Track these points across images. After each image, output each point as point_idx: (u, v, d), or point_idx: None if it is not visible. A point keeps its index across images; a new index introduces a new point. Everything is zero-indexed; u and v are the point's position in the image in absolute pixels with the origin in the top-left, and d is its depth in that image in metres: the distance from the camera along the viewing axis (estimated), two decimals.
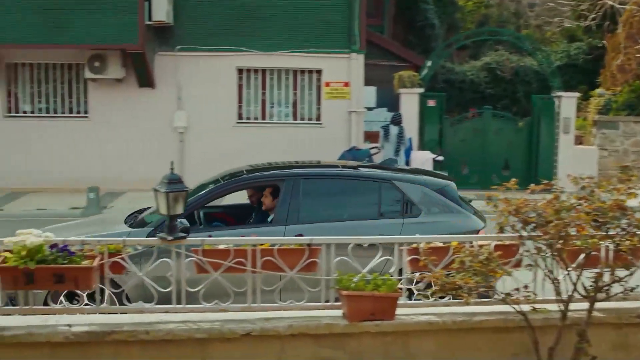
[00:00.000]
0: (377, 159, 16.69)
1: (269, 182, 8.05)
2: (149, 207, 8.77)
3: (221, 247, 5.37)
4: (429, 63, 18.90)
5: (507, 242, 5.52)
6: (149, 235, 6.72)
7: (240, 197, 8.88)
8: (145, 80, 17.44)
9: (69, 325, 5.25)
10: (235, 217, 8.49)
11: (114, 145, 17.61)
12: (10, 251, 4.99)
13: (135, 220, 7.91)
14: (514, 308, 5.32)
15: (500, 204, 5.41)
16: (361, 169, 8.85)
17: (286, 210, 7.51)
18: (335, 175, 8.23)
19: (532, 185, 5.51)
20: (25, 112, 18.03)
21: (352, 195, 8.03)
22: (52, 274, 4.94)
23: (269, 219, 7.76)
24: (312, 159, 9.49)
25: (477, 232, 7.50)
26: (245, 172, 8.16)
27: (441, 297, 5.50)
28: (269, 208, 7.94)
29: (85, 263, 5.04)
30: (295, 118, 18.34)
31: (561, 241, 5.17)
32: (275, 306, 5.56)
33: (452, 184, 8.15)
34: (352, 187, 8.03)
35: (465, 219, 7.75)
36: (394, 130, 16.36)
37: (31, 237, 4.93)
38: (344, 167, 8.58)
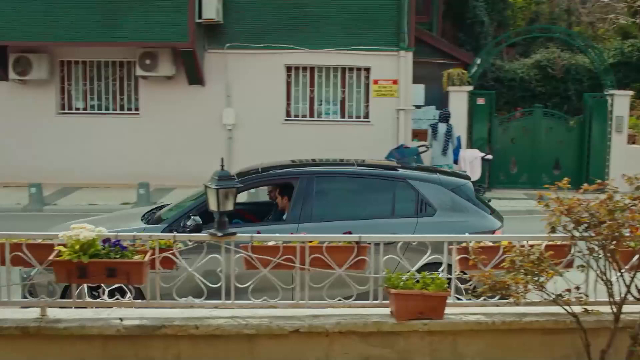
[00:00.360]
0: (426, 157, 16.58)
1: (283, 180, 8.05)
2: (168, 204, 8.87)
3: (270, 243, 5.39)
4: (478, 61, 18.72)
5: (559, 243, 5.43)
6: (163, 232, 6.79)
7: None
8: (195, 77, 17.61)
9: (121, 319, 5.33)
10: (255, 215, 8.48)
11: (164, 141, 17.84)
12: (64, 245, 5.08)
13: (152, 216, 8.00)
14: (565, 309, 5.24)
15: (552, 204, 5.33)
16: (376, 167, 8.77)
17: (300, 208, 7.50)
18: (349, 174, 8.16)
19: (585, 185, 5.42)
20: (78, 109, 18.37)
21: (366, 193, 7.97)
22: (104, 268, 5.01)
23: (284, 217, 7.77)
24: (358, 157, 9.39)
25: (493, 232, 7.39)
26: (260, 170, 8.16)
27: (490, 297, 5.45)
28: (282, 207, 7.96)
29: (136, 258, 5.11)
30: (343, 116, 18.34)
31: (614, 242, 5.07)
32: (323, 303, 5.56)
33: (468, 183, 8.04)
34: (367, 185, 7.97)
35: (480, 219, 7.65)
36: (442, 128, 16.16)
37: (85, 231, 5.01)
38: (359, 165, 8.46)
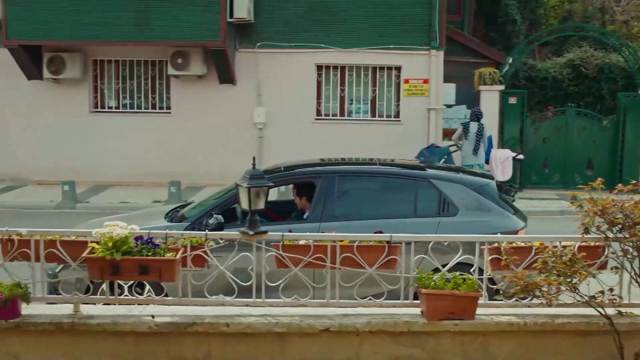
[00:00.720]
0: (457, 157, 16.47)
1: (305, 178, 8.03)
2: (191, 202, 8.90)
3: (301, 242, 5.40)
4: (510, 60, 18.56)
5: (592, 244, 5.37)
6: (185, 231, 6.82)
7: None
8: (226, 76, 17.70)
9: (153, 316, 5.38)
10: (280, 213, 8.48)
11: (195, 140, 17.95)
12: (97, 242, 5.14)
13: (175, 215, 8.03)
14: (598, 311, 5.19)
15: (585, 204, 5.28)
16: (399, 166, 8.73)
17: (321, 207, 7.48)
18: (371, 173, 8.10)
19: (619, 186, 5.35)
20: (110, 107, 18.56)
21: (388, 193, 7.93)
22: (137, 265, 5.06)
23: (305, 216, 7.76)
24: (388, 157, 9.37)
25: (516, 232, 7.32)
26: (282, 168, 8.15)
27: (522, 298, 5.41)
28: (301, 206, 7.96)
29: (168, 255, 5.15)
30: (373, 115, 18.32)
31: None
32: (354, 303, 5.56)
33: (492, 183, 7.96)
34: (389, 184, 7.94)
35: (503, 219, 7.56)
36: (473, 127, 16.00)
37: (117, 229, 5.06)
38: (381, 164, 8.41)
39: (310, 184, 7.80)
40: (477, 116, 16.10)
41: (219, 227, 6.99)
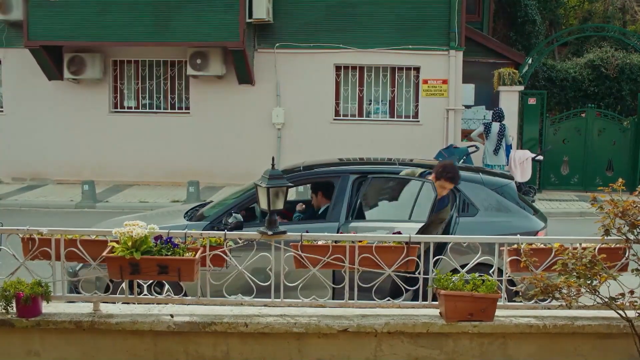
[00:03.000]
0: (477, 157, 16.39)
1: (324, 178, 8.00)
2: (211, 201, 8.91)
3: (320, 242, 5.40)
4: (529, 60, 18.48)
5: (613, 245, 5.33)
6: (204, 230, 6.84)
7: None
8: (245, 77, 17.74)
9: (171, 315, 5.40)
10: (293, 212, 8.47)
11: (214, 140, 18.01)
12: (117, 242, 5.17)
13: (195, 214, 8.05)
14: (618, 314, 5.15)
15: (606, 206, 5.25)
16: (419, 167, 8.66)
17: (340, 207, 7.45)
18: (391, 173, 8.00)
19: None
20: (130, 107, 18.66)
21: (408, 193, 7.91)
22: (156, 265, 5.08)
23: (320, 212, 7.76)
24: (407, 157, 9.31)
25: (536, 233, 7.26)
26: (302, 168, 8.13)
27: (542, 300, 5.38)
28: (317, 205, 7.95)
29: (187, 255, 5.17)
30: (392, 115, 18.28)
31: None
32: (372, 303, 5.56)
33: (512, 183, 7.90)
34: (408, 184, 7.91)
35: (523, 219, 7.50)
36: (495, 127, 15.92)
37: (137, 228, 5.08)
38: (401, 164, 8.35)
39: (328, 182, 7.80)
40: (499, 116, 16.02)
41: (239, 226, 7.01)
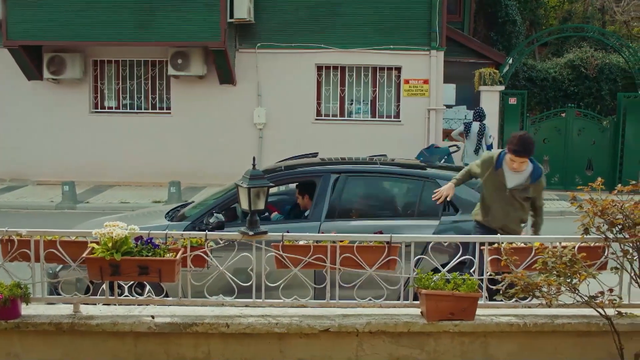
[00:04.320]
0: (457, 157, 16.45)
1: (306, 177, 8.00)
2: (192, 202, 8.90)
3: (301, 242, 5.40)
4: (510, 60, 18.58)
5: (592, 244, 5.37)
6: (185, 230, 6.83)
7: None
8: (226, 77, 17.70)
9: (152, 316, 5.38)
10: (281, 212, 8.47)
11: (195, 140, 17.96)
12: (97, 242, 5.13)
13: (176, 214, 8.03)
14: (598, 312, 5.19)
15: (585, 205, 5.28)
16: (400, 166, 8.69)
17: (322, 206, 7.46)
18: (373, 172, 8.04)
19: (619, 186, 5.35)
20: (110, 108, 18.57)
21: (390, 192, 7.94)
22: (137, 266, 5.05)
23: (306, 214, 7.74)
24: (389, 157, 9.33)
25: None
26: (283, 168, 8.12)
27: (522, 299, 5.40)
28: (304, 205, 7.97)
29: (168, 256, 5.15)
30: (373, 115, 18.32)
31: None
32: (353, 303, 5.56)
33: None
34: (390, 184, 7.93)
35: None
36: (475, 127, 15.97)
37: (117, 229, 5.06)
38: (383, 163, 8.38)
39: (313, 183, 7.79)
40: (479, 116, 16.04)
41: (220, 226, 6.99)
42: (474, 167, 7.08)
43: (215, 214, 7.18)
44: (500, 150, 7.10)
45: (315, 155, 8.54)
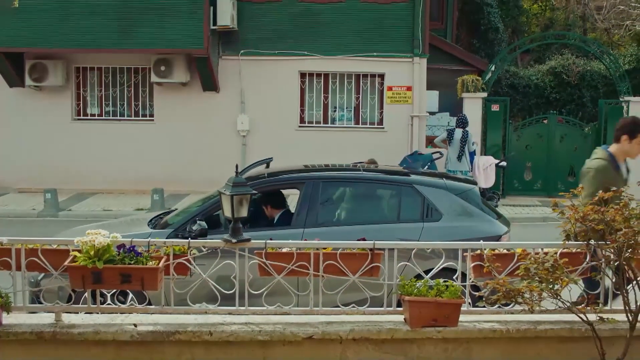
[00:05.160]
0: (440, 163, 16.51)
1: (288, 185, 8.09)
2: (175, 209, 8.89)
3: (284, 250, 5.39)
4: (492, 67, 18.69)
5: (574, 250, 5.40)
6: (168, 237, 6.81)
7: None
8: (209, 84, 17.68)
9: (135, 325, 5.34)
10: (264, 219, 8.47)
11: (178, 147, 17.91)
12: (79, 251, 5.10)
13: (159, 222, 8.01)
14: (580, 317, 5.21)
15: (567, 211, 5.31)
16: (382, 172, 8.74)
17: (305, 213, 7.48)
18: (355, 179, 8.11)
19: (600, 192, 5.38)
20: (93, 115, 18.49)
21: (372, 198, 7.99)
22: (119, 274, 5.02)
23: (274, 222, 7.81)
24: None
25: (499, 237, 7.37)
26: (266, 175, 8.14)
27: (505, 305, 5.42)
28: (270, 214, 8.01)
29: (151, 264, 5.12)
30: (357, 122, 18.36)
31: (630, 250, 5.04)
32: (337, 310, 5.56)
33: (475, 188, 8.01)
34: (372, 190, 7.99)
35: (486, 224, 7.60)
36: (457, 134, 16.04)
37: (99, 237, 5.03)
38: (365, 170, 8.45)
39: (276, 193, 7.84)
40: (462, 123, 16.14)
41: (203, 233, 6.97)
42: (593, 185, 6.28)
43: (198, 221, 7.16)
44: (601, 149, 6.87)
45: (269, 161, 8.53)
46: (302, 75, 18.12)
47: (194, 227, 7.09)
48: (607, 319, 5.27)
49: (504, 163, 17.07)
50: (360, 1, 17.70)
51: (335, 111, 18.36)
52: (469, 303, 5.59)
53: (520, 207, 16.74)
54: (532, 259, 5.18)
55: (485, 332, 5.38)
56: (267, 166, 8.50)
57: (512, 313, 5.52)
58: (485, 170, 16.44)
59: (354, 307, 5.56)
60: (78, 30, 16.81)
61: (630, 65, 22.14)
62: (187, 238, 6.01)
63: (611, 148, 6.74)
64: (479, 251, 5.42)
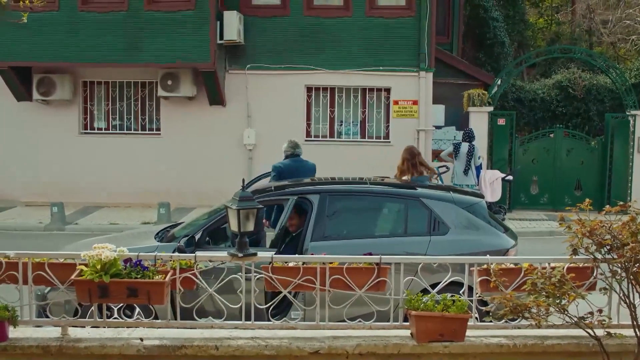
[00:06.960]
0: (446, 177, 16.49)
1: (295, 198, 8.05)
2: (182, 222, 8.89)
3: (290, 264, 5.39)
4: (498, 81, 18.69)
5: (581, 265, 5.38)
6: (174, 251, 6.82)
7: None
8: (216, 98, 17.72)
9: (141, 339, 5.34)
10: (271, 223, 8.48)
11: (185, 161, 17.94)
12: (86, 265, 5.11)
13: (166, 235, 8.03)
14: (587, 332, 5.19)
15: (573, 225, 5.30)
16: (389, 185, 8.75)
17: (312, 227, 7.46)
18: (362, 192, 8.11)
19: (607, 207, 5.37)
20: (100, 129, 18.53)
21: (379, 212, 7.98)
22: (125, 288, 5.04)
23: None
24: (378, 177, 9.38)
25: (507, 250, 7.35)
26: (273, 188, 8.15)
27: (512, 320, 5.40)
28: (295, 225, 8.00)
29: (157, 278, 5.12)
30: (363, 136, 18.36)
31: (638, 264, 5.02)
32: (343, 325, 5.55)
33: (482, 202, 7.99)
34: (380, 203, 7.97)
35: (494, 237, 7.58)
36: (464, 147, 16.03)
37: (106, 251, 5.04)
38: (372, 183, 8.45)
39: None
40: (469, 137, 16.13)
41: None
42: None
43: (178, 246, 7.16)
44: None
45: (268, 174, 8.54)
46: (309, 89, 18.15)
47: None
48: (615, 334, 5.24)
49: (510, 177, 17.04)
50: (367, 15, 17.73)
51: (341, 125, 18.37)
52: (476, 318, 5.57)
53: (527, 221, 16.69)
54: (539, 273, 5.17)
55: (492, 347, 5.35)
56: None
57: (519, 328, 5.50)
58: (492, 184, 16.41)
59: (360, 321, 5.55)
60: (85, 44, 16.90)
61: (637, 79, 22.11)
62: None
63: None
64: (485, 266, 5.41)
